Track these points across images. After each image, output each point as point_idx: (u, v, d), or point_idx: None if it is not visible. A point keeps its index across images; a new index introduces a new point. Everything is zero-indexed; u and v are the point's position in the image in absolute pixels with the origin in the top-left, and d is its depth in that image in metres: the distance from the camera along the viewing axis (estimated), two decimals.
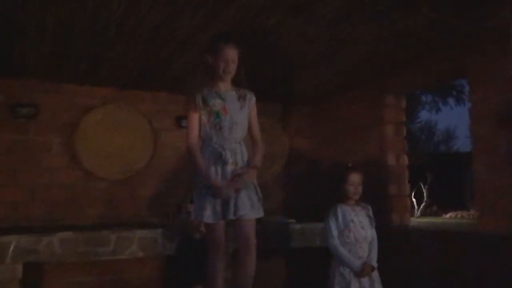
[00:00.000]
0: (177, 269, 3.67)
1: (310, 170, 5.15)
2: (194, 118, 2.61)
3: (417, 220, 5.57)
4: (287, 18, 2.92)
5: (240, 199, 2.58)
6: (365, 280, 3.11)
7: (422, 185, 6.79)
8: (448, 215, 6.46)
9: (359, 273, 3.07)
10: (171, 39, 3.25)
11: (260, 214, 2.72)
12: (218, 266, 2.73)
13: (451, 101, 10.69)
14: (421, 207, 6.49)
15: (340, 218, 3.20)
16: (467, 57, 3.47)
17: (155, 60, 3.71)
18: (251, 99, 2.74)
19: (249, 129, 2.75)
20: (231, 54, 2.55)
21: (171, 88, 4.55)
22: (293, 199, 5.13)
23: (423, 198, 6.68)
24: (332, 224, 3.22)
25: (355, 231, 3.16)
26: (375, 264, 3.15)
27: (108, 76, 4.11)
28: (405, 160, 4.31)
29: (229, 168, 2.58)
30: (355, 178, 3.22)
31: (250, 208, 2.61)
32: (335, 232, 3.20)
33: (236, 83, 2.69)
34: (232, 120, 2.61)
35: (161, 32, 3.11)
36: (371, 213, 3.27)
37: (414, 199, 6.29)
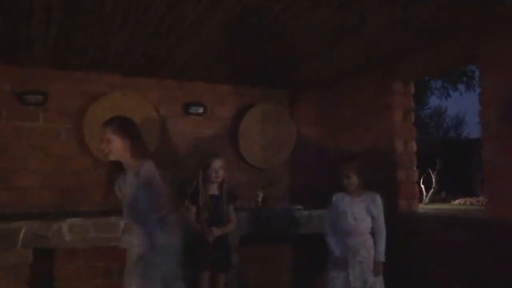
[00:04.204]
0: (186, 255, 3.69)
1: (317, 156, 5.14)
2: None
3: (425, 206, 5.55)
4: (294, 3, 2.88)
5: None
6: (357, 270, 3.12)
7: (431, 171, 6.75)
8: (456, 202, 6.44)
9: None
10: (177, 26, 3.23)
11: None
12: None
13: (461, 87, 10.58)
14: (430, 193, 6.46)
15: (334, 207, 3.24)
16: (478, 43, 3.41)
17: (161, 47, 3.70)
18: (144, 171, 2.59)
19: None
20: (103, 133, 2.71)
21: (178, 75, 4.55)
22: (300, 185, 5.14)
23: (432, 184, 6.65)
24: (327, 212, 3.30)
25: (345, 222, 3.17)
26: (380, 259, 3.14)
27: (115, 63, 4.11)
28: (413, 146, 4.28)
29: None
30: (344, 170, 3.22)
31: None
32: (327, 220, 3.29)
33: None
34: (125, 201, 2.63)
35: (166, 19, 3.09)
36: (373, 205, 3.22)
37: (422, 186, 6.26)
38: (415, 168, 4.28)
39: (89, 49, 3.71)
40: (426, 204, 6.17)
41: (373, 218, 3.21)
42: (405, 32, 3.43)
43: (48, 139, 4.20)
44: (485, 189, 3.48)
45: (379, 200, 3.25)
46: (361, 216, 3.18)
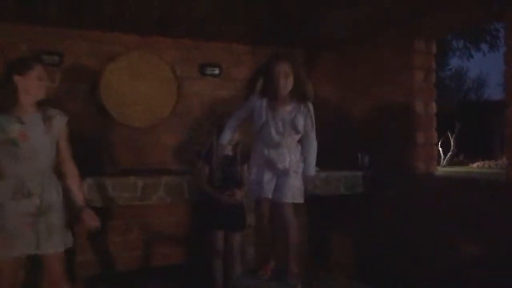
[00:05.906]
0: (201, 215, 3.74)
1: (335, 117, 5.08)
2: None
3: (443, 169, 5.51)
4: None
5: None
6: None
7: (449, 134, 6.66)
8: (475, 165, 6.37)
9: None
10: None
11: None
12: None
13: (484, 47, 10.25)
14: (448, 156, 6.40)
15: (249, 110, 2.90)
16: None
17: (177, 6, 3.62)
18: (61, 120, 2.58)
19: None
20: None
21: (194, 34, 4.47)
22: (317, 146, 5.09)
23: (450, 147, 6.57)
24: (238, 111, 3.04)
25: (268, 135, 2.81)
26: (310, 172, 2.92)
27: (130, 22, 4.05)
28: (433, 108, 4.19)
29: (35, 201, 2.41)
30: (284, 68, 2.71)
31: None
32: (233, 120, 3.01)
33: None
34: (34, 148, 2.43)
35: None
36: (301, 115, 2.82)
37: (440, 148, 6.19)
38: (434, 130, 4.21)
39: (104, 8, 3.66)
40: (444, 166, 6.12)
41: (299, 131, 2.86)
42: None
43: (66, 100, 4.18)
44: (507, 150, 3.41)
45: (309, 109, 2.86)
46: (286, 129, 2.80)
